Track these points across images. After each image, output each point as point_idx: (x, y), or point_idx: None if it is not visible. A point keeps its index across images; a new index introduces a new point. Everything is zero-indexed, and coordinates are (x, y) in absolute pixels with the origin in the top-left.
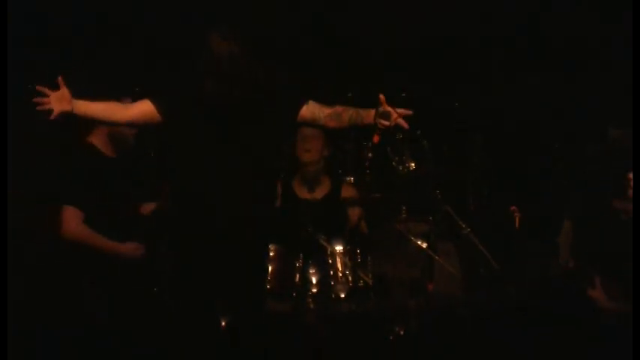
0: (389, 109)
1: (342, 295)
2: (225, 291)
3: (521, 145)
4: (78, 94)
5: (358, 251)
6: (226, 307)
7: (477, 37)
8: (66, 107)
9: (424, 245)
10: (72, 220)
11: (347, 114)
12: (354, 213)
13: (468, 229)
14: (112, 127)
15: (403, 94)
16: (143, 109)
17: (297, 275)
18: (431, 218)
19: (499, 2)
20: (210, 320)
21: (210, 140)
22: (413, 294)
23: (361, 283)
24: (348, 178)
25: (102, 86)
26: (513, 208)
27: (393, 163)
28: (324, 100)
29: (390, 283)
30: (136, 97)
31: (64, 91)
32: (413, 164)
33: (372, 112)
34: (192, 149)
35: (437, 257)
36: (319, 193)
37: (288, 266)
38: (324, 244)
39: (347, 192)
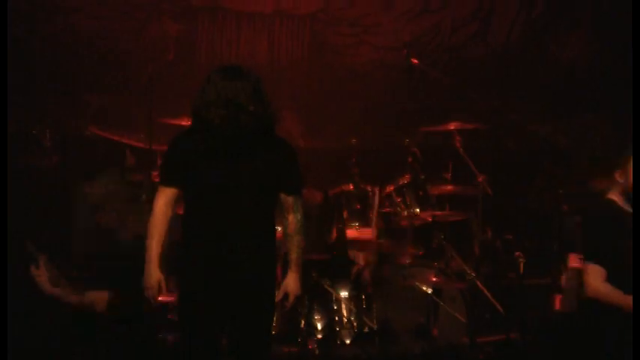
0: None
1: (348, 341)
2: (230, 334)
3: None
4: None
5: (363, 297)
6: (231, 350)
7: None
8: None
9: (429, 291)
10: None
11: (290, 239)
12: (359, 258)
13: (473, 275)
14: None
15: (407, 140)
16: (169, 197)
17: (303, 321)
18: (436, 264)
19: None
20: None
21: (216, 175)
22: (418, 339)
23: (366, 329)
24: (353, 224)
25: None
26: (518, 253)
27: (398, 208)
28: None
29: (395, 329)
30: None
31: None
32: (417, 209)
33: (292, 279)
34: (200, 183)
35: (442, 303)
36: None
37: (294, 311)
38: (329, 289)
39: (351, 237)
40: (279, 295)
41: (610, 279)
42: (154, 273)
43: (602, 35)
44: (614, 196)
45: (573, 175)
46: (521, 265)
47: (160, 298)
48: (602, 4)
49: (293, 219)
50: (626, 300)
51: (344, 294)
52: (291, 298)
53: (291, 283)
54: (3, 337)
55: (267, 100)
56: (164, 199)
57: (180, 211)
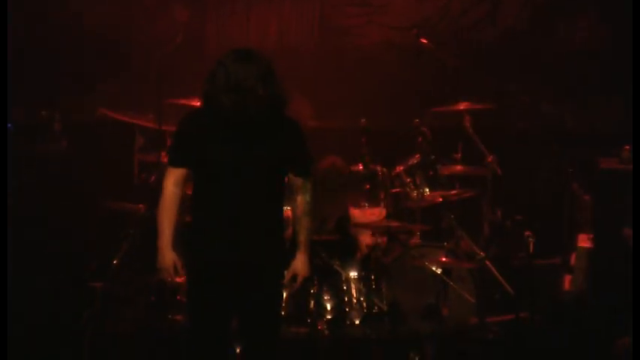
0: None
1: (357, 321)
2: (240, 315)
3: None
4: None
5: (372, 277)
6: (242, 332)
7: None
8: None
9: (438, 271)
10: None
11: (299, 221)
12: (368, 239)
13: (483, 255)
14: None
15: (416, 120)
16: (178, 177)
17: (312, 301)
18: (445, 244)
19: None
20: (224, 345)
21: (225, 156)
22: (427, 319)
23: (376, 309)
24: (362, 204)
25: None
26: (528, 233)
27: (407, 189)
28: None
29: (405, 309)
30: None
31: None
32: (427, 189)
33: (300, 260)
34: (209, 164)
35: (451, 283)
36: (330, 222)
37: (303, 292)
38: (339, 270)
39: (361, 218)
40: (287, 276)
41: None
42: (167, 254)
43: (612, 16)
44: None
45: (583, 155)
46: (531, 245)
47: (177, 279)
48: None
49: (302, 200)
50: None
51: (353, 274)
52: (299, 279)
53: (299, 264)
54: (3, 337)
55: (278, 82)
56: (173, 180)
57: (189, 192)
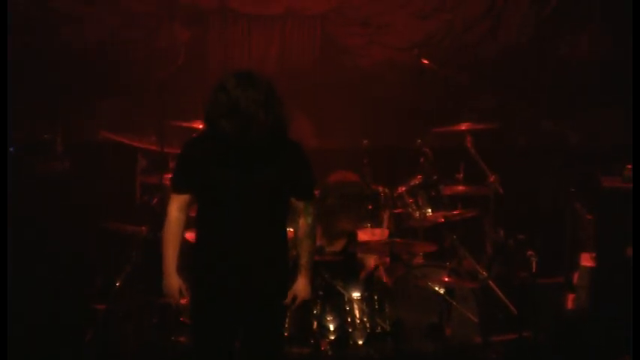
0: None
1: (360, 342)
2: (243, 337)
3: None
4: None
5: (375, 297)
6: (245, 353)
7: None
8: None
9: (441, 291)
10: None
11: (301, 243)
12: (371, 259)
13: (486, 274)
14: None
15: (418, 141)
16: (182, 203)
17: (315, 322)
18: (448, 264)
19: None
20: None
21: (228, 181)
22: (430, 339)
23: (379, 329)
24: (364, 225)
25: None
26: (530, 252)
27: (409, 209)
28: None
29: (408, 329)
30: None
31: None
32: (429, 210)
33: (302, 283)
34: (212, 189)
35: (454, 302)
36: (338, 245)
37: (306, 313)
38: (342, 290)
39: (364, 237)
40: (288, 298)
41: None
42: (172, 279)
43: (614, 30)
44: None
45: (585, 170)
46: (534, 264)
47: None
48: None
49: (304, 223)
50: None
51: (356, 295)
52: (298, 301)
53: (300, 287)
54: (3, 337)
55: (279, 104)
56: (177, 206)
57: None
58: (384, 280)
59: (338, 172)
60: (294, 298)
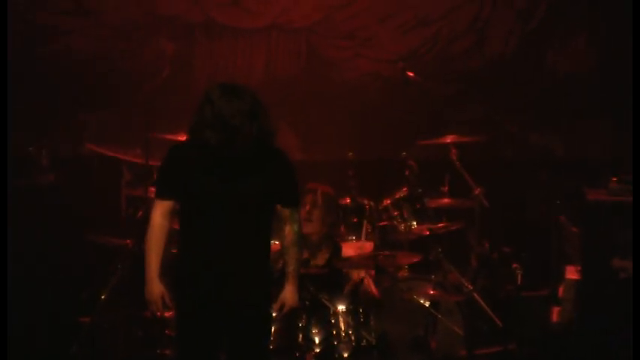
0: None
1: (346, 355)
2: (228, 349)
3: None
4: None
5: (361, 310)
6: None
7: None
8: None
9: (427, 304)
10: None
11: (287, 251)
12: (356, 272)
13: (471, 287)
14: None
15: (404, 153)
16: (165, 209)
17: (301, 335)
18: (433, 277)
19: None
20: None
21: (212, 190)
22: (416, 352)
23: (364, 342)
24: (349, 238)
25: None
26: (515, 265)
27: (395, 222)
28: None
29: (393, 342)
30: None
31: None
32: (414, 223)
33: (289, 291)
34: (196, 198)
35: (439, 315)
36: (321, 259)
37: (292, 325)
38: (327, 303)
39: (348, 251)
40: (276, 307)
41: None
42: (155, 286)
43: (600, 43)
44: None
45: (570, 183)
46: (519, 276)
47: (166, 314)
48: (599, 12)
49: (290, 230)
50: None
51: (341, 307)
52: (286, 309)
53: (287, 294)
54: (3, 337)
55: (265, 115)
56: (160, 212)
57: (177, 226)
58: (370, 292)
59: (310, 183)
60: (282, 306)
